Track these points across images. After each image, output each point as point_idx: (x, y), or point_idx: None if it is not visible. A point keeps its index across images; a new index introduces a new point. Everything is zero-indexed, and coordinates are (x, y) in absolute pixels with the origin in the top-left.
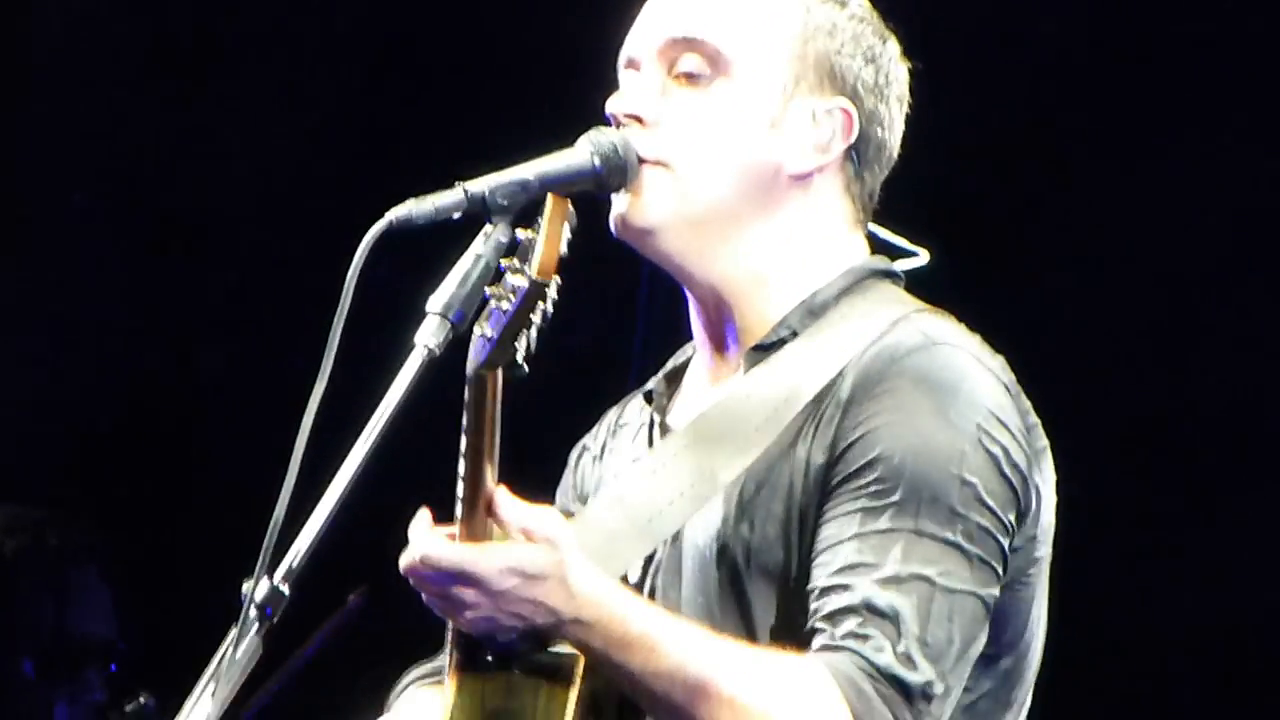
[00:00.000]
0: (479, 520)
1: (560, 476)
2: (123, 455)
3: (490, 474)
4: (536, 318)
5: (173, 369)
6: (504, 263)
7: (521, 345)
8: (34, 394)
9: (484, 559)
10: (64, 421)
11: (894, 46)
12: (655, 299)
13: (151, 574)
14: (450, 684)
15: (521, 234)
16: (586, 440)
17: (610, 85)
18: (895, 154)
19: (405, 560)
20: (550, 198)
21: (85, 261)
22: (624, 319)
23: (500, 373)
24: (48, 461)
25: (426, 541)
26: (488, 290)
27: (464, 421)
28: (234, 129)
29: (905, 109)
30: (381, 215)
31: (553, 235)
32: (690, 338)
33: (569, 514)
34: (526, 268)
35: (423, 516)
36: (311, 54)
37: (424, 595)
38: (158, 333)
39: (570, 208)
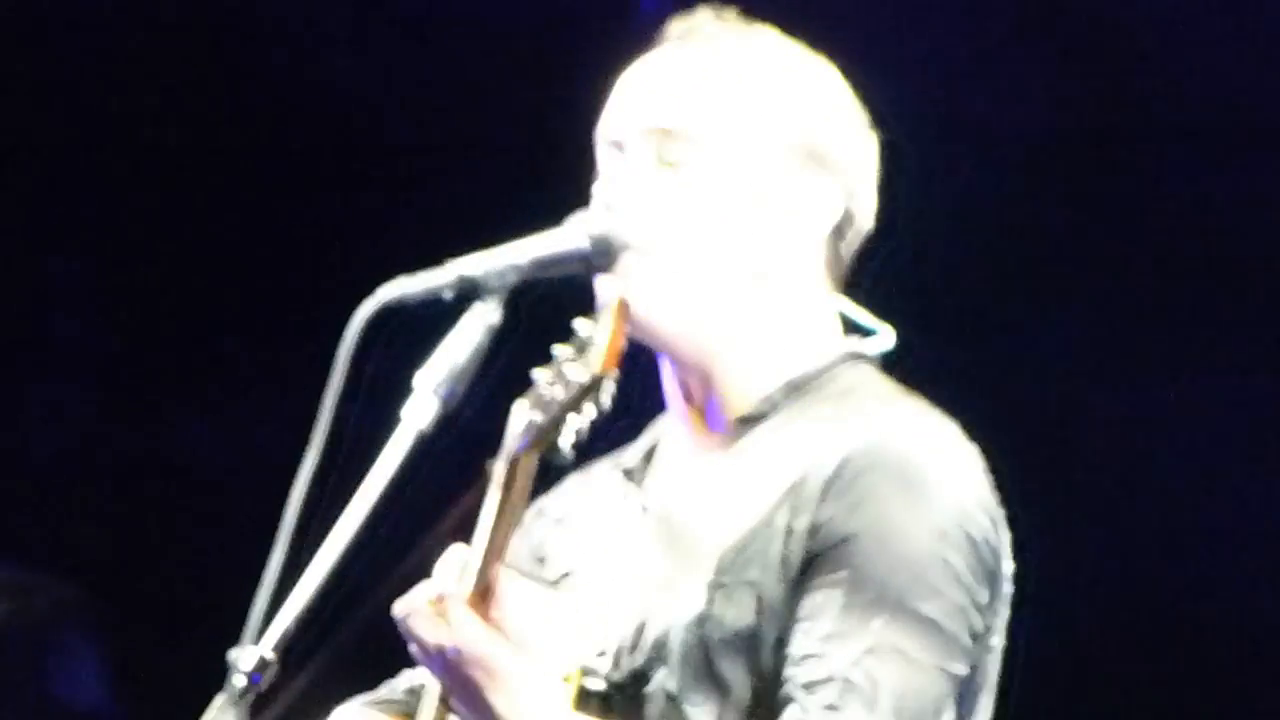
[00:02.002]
0: (477, 595)
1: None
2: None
3: (500, 556)
4: (590, 408)
5: (155, 439)
6: (556, 349)
7: (567, 434)
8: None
9: (476, 639)
10: (47, 486)
11: (866, 118)
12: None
13: (141, 643)
14: None
15: (579, 324)
16: (544, 503)
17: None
18: (869, 226)
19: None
20: (617, 297)
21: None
22: None
23: (536, 458)
24: (34, 525)
25: (456, 609)
26: (534, 373)
27: (491, 496)
28: None
29: (876, 180)
30: (367, 295)
31: (618, 330)
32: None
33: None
34: (587, 359)
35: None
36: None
37: (413, 645)
38: (134, 400)
39: (630, 306)
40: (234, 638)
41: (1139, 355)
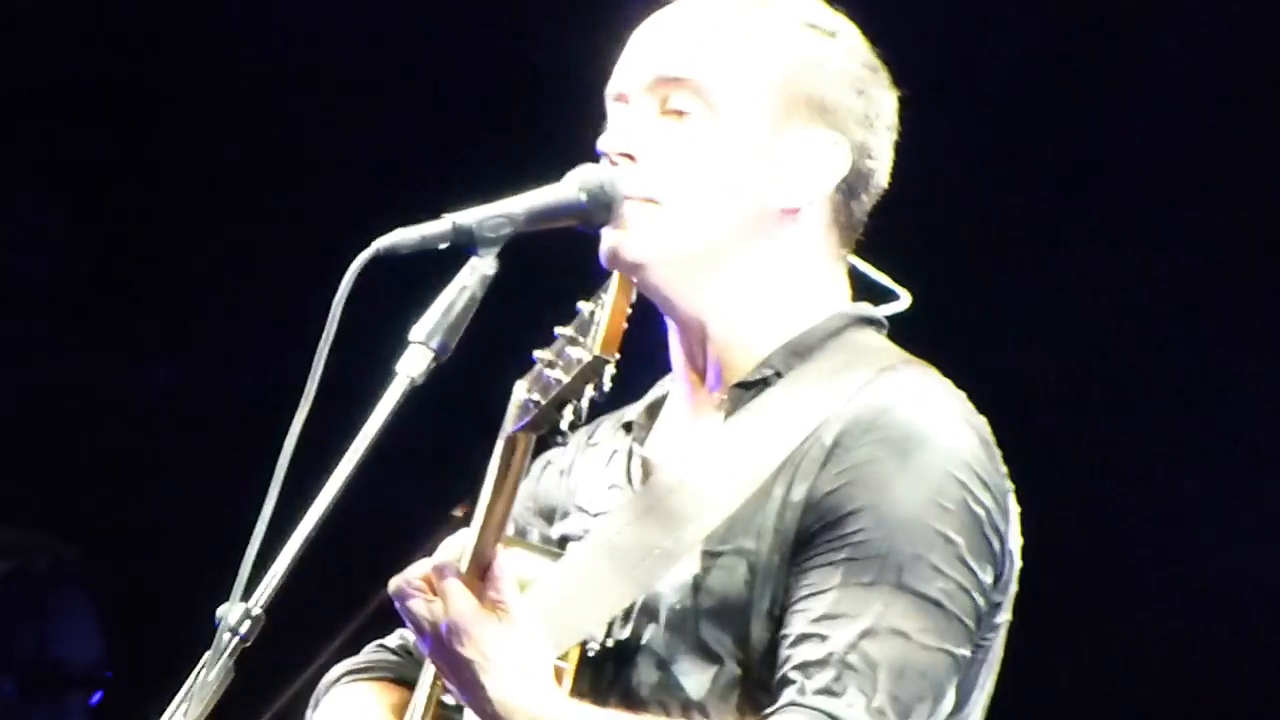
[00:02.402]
0: (476, 575)
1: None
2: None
3: (498, 535)
4: (589, 390)
5: (137, 392)
6: (559, 330)
7: (568, 415)
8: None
9: (471, 619)
10: (43, 445)
11: (883, 76)
12: None
13: (136, 603)
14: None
15: (582, 305)
16: (552, 454)
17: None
18: (884, 185)
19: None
20: (617, 276)
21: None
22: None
23: (533, 437)
24: (30, 486)
25: (453, 588)
26: (536, 354)
27: (491, 475)
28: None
29: (893, 139)
30: (363, 245)
31: (618, 311)
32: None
33: (525, 534)
34: (588, 341)
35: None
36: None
37: (408, 618)
38: (111, 349)
39: (634, 285)
40: (218, 590)
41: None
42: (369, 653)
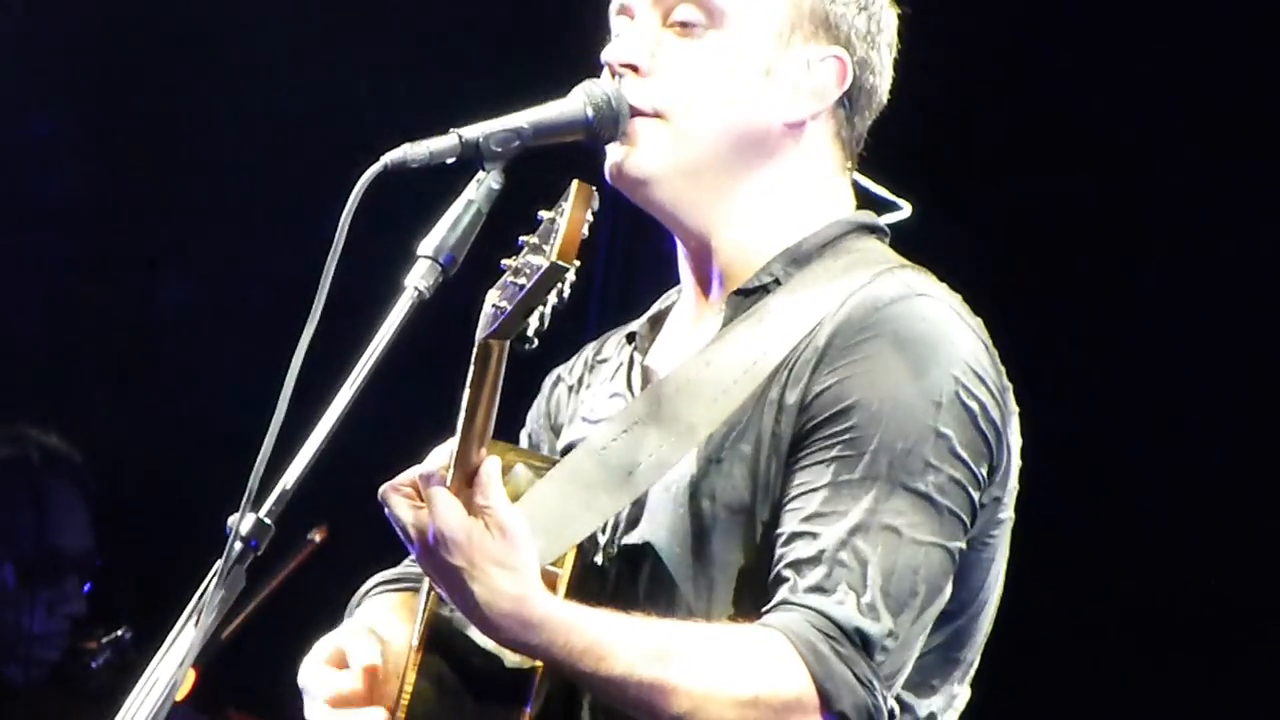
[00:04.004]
0: (463, 483)
1: (515, 415)
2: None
3: (481, 440)
4: (552, 298)
5: (151, 301)
6: (523, 238)
7: (534, 321)
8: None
9: (457, 526)
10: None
11: None
12: (615, 251)
13: (129, 499)
14: (421, 617)
15: (543, 213)
16: (561, 371)
17: (604, 32)
18: (884, 100)
19: (401, 501)
20: (575, 184)
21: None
22: (581, 271)
23: (506, 344)
24: (28, 383)
25: (438, 495)
26: (504, 261)
27: (467, 382)
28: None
29: (894, 55)
30: (370, 159)
31: (575, 219)
32: (655, 286)
33: (537, 449)
34: (547, 249)
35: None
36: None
37: (396, 526)
38: (129, 261)
39: (594, 193)
40: (225, 503)
41: None
42: (404, 565)
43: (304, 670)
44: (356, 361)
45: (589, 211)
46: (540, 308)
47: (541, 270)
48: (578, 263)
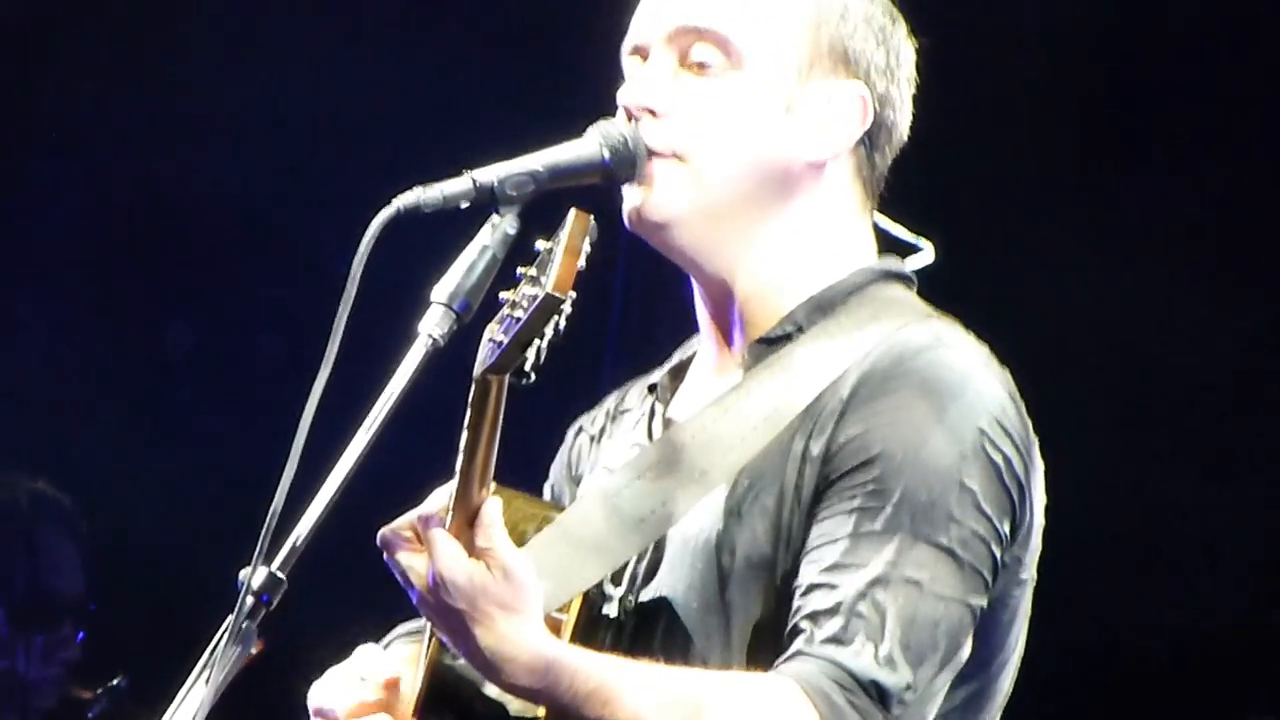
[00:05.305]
0: (463, 524)
1: (531, 465)
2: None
3: (482, 480)
4: (549, 329)
5: (153, 344)
6: (521, 270)
7: (531, 354)
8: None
9: (457, 568)
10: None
11: (902, 26)
12: (631, 291)
13: (135, 547)
14: (424, 664)
15: (541, 244)
16: (583, 421)
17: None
18: (905, 136)
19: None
20: (573, 212)
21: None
22: (598, 312)
23: (505, 379)
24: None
25: (438, 536)
26: (503, 294)
27: (466, 420)
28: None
29: (913, 89)
30: (381, 200)
31: (572, 250)
32: (673, 331)
33: (559, 500)
34: (543, 279)
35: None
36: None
37: (395, 570)
38: (130, 307)
39: (592, 222)
40: (227, 553)
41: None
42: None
43: (316, 690)
44: (369, 410)
45: (587, 241)
46: (538, 341)
47: (537, 302)
48: (573, 294)
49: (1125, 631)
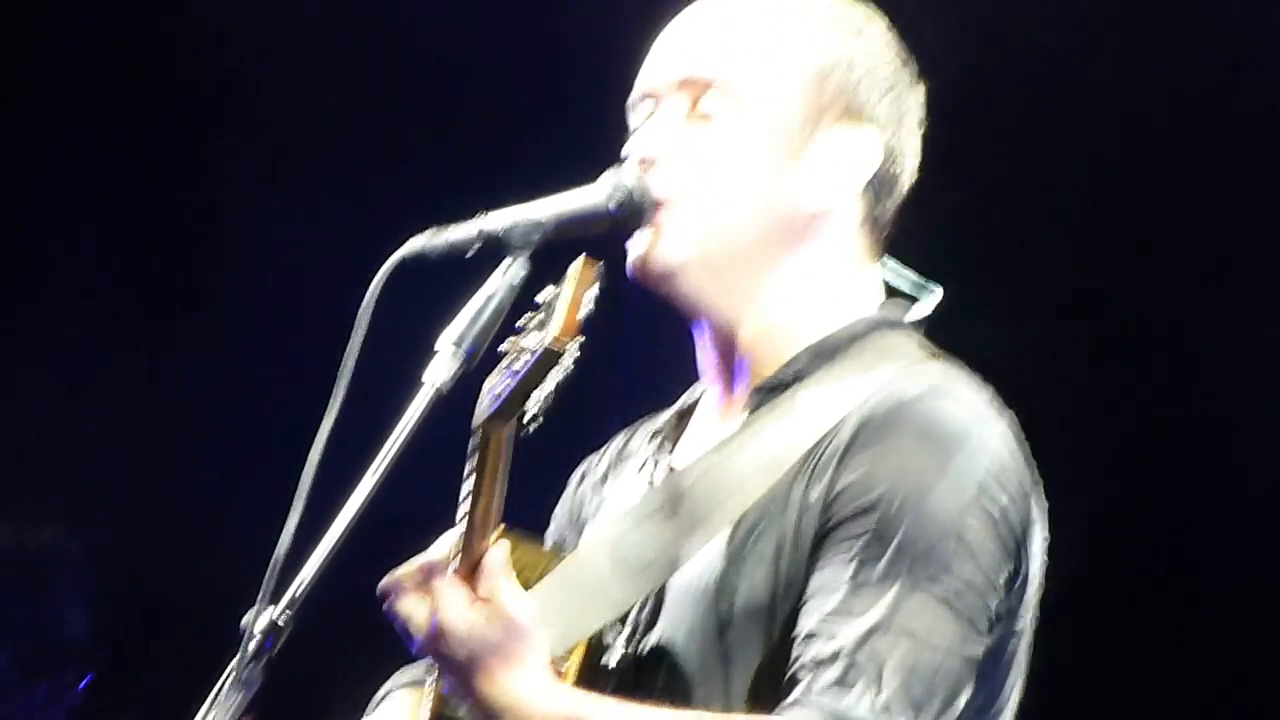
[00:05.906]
0: (468, 572)
1: (534, 508)
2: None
3: (486, 528)
4: (552, 379)
5: (167, 389)
6: (524, 320)
7: (532, 405)
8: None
9: (457, 617)
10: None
11: (911, 71)
12: (637, 334)
13: (142, 590)
14: (426, 715)
15: (546, 293)
16: (586, 466)
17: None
18: (912, 181)
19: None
20: (579, 260)
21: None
22: (603, 355)
23: (506, 429)
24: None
25: (440, 585)
26: (506, 344)
27: (469, 469)
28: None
29: (921, 133)
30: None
31: (575, 299)
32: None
33: (563, 547)
34: (544, 331)
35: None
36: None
37: (396, 620)
38: (136, 349)
39: (600, 268)
40: (231, 594)
41: None
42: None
43: None
44: (375, 455)
45: (592, 289)
46: (539, 390)
47: (536, 355)
48: (581, 338)
49: None
